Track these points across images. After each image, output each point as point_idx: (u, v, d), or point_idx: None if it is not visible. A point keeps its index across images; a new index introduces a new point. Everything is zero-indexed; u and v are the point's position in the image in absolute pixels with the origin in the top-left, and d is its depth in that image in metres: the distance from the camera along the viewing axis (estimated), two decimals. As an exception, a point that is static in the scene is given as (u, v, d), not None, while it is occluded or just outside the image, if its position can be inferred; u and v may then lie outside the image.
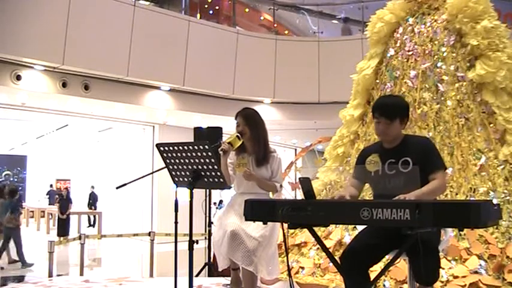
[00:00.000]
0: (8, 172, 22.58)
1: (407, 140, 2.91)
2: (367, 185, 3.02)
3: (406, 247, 2.46)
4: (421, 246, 2.31)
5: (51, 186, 20.40)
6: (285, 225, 2.65)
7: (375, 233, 2.76)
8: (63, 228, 12.33)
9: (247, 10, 13.60)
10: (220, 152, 3.59)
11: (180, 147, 3.05)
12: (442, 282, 3.99)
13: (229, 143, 3.59)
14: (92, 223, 16.75)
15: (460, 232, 3.44)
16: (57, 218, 12.91)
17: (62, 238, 11.15)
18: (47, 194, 19.79)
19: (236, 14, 12.28)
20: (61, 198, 12.84)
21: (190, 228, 3.06)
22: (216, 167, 3.00)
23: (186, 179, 3.11)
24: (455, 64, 5.23)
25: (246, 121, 3.71)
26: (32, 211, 18.55)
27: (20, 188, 21.67)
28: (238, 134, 3.65)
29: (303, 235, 5.16)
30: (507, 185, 4.64)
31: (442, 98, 5.14)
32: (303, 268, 4.79)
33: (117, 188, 3.45)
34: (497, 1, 5.73)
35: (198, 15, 11.57)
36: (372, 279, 2.71)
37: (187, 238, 3.05)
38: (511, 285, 3.98)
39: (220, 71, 10.69)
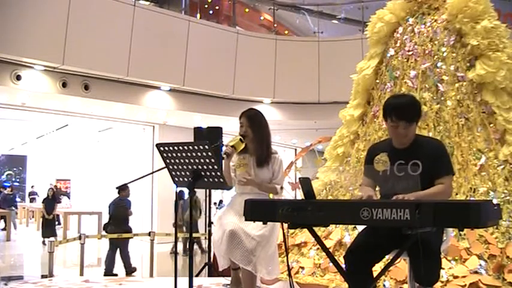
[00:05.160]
0: (10, 172, 22.59)
1: (418, 141, 2.82)
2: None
3: (406, 247, 2.45)
4: (422, 247, 2.30)
5: (51, 185, 20.34)
6: (285, 225, 2.65)
7: (375, 233, 2.74)
8: (50, 229, 11.55)
9: (247, 10, 13.61)
10: (224, 156, 3.59)
11: (180, 147, 3.05)
12: (442, 282, 3.99)
13: (232, 146, 3.59)
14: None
15: (460, 232, 3.44)
16: (42, 218, 12.03)
17: (62, 238, 11.10)
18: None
19: (236, 14, 12.28)
20: (46, 198, 12.13)
21: (190, 228, 3.07)
22: (216, 167, 3.00)
23: (186, 179, 3.11)
24: (455, 64, 5.23)
25: (250, 122, 3.71)
26: (32, 211, 18.53)
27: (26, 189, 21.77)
28: (241, 137, 3.65)
29: (303, 235, 5.15)
30: (507, 185, 4.63)
31: (442, 98, 5.14)
32: (303, 268, 4.79)
33: (117, 188, 3.46)
34: (497, 1, 5.73)
35: (198, 15, 11.58)
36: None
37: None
38: (511, 285, 3.98)
39: (220, 71, 10.69)
